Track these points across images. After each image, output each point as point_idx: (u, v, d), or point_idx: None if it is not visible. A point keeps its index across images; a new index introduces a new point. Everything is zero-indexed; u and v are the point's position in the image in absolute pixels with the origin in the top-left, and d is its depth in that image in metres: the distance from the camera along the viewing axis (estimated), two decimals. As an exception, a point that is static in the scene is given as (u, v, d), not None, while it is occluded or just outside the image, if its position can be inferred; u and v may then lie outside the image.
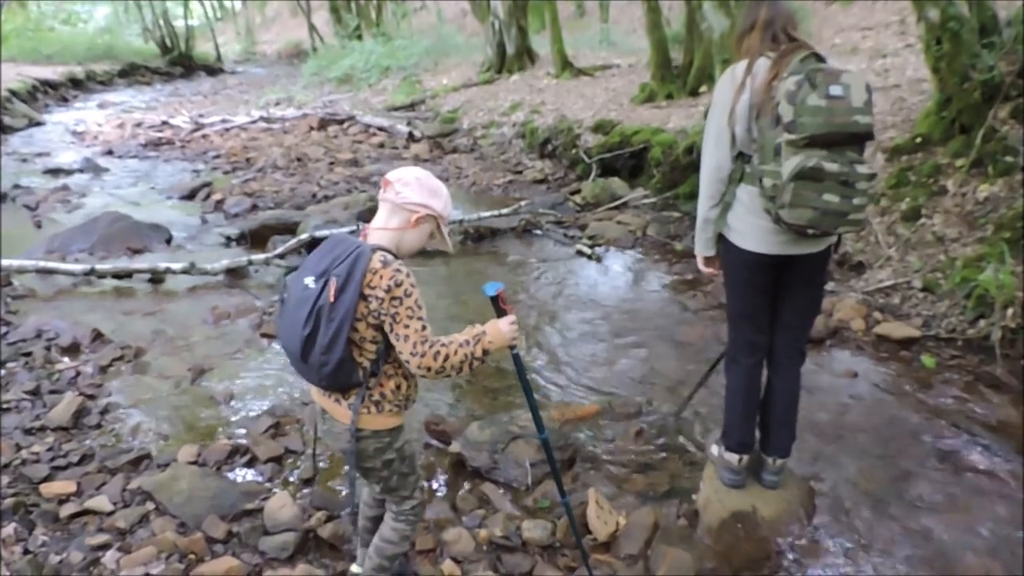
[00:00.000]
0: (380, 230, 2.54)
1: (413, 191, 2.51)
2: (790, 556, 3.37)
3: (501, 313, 2.60)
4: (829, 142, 2.83)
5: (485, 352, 2.49)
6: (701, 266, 3.55)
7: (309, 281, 2.42)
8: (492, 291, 2.59)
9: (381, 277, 2.37)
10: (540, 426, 2.92)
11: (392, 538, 2.84)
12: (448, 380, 4.91)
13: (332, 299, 2.34)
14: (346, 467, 2.61)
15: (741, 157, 3.16)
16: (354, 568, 3.10)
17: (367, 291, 2.37)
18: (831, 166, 2.81)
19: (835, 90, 2.80)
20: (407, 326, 2.39)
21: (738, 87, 3.06)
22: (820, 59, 2.99)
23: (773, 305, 3.38)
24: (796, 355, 3.48)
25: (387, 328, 2.41)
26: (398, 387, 2.56)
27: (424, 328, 2.41)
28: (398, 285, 2.37)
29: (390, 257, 2.44)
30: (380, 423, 2.56)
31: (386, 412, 2.55)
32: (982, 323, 5.14)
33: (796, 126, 2.83)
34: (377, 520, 3.01)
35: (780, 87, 2.90)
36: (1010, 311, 4.97)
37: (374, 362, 2.48)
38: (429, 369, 2.41)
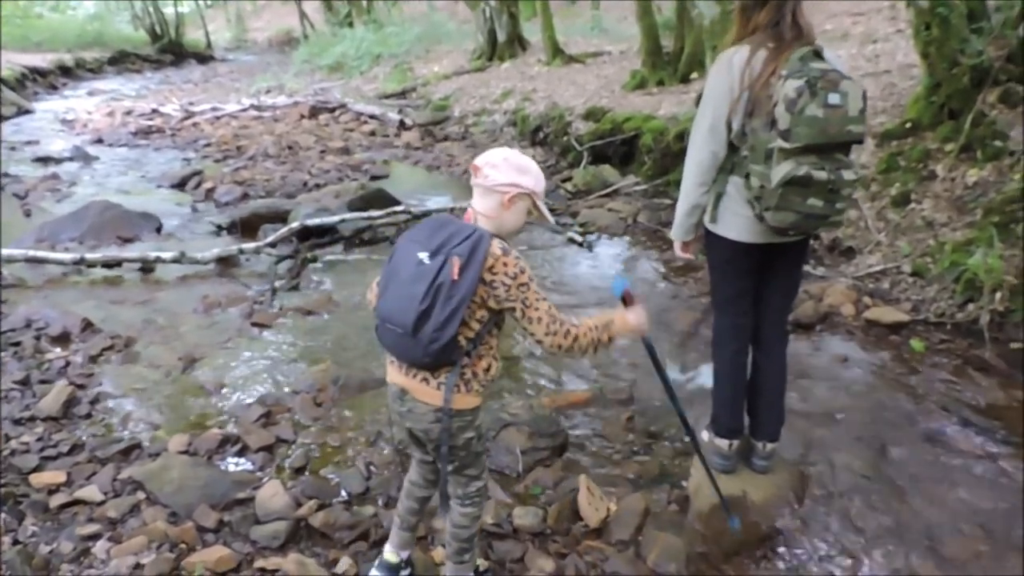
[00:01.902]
0: (482, 215, 2.59)
1: (501, 172, 2.55)
2: (781, 540, 3.39)
3: (629, 305, 2.75)
4: (820, 149, 2.85)
5: (611, 339, 2.64)
6: (679, 251, 3.56)
7: (424, 257, 2.44)
8: (619, 291, 2.76)
9: (505, 264, 2.45)
10: (680, 409, 3.14)
11: (463, 523, 2.87)
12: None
13: (455, 278, 2.38)
14: (439, 446, 2.66)
15: (731, 147, 3.15)
16: (388, 555, 3.07)
17: (488, 275, 2.44)
18: (820, 174, 2.82)
19: (833, 99, 2.78)
20: (537, 309, 2.50)
21: (738, 81, 3.00)
22: (819, 55, 2.95)
23: (756, 288, 3.39)
24: (782, 335, 3.51)
25: (518, 314, 2.50)
26: (488, 368, 2.62)
27: (551, 308, 2.52)
28: (522, 272, 2.47)
29: (507, 245, 2.51)
30: (466, 402, 2.60)
31: (473, 392, 2.60)
32: (971, 307, 5.16)
33: (792, 135, 2.81)
34: (424, 501, 3.02)
35: (779, 88, 2.86)
36: (999, 295, 4.99)
37: (471, 340, 2.53)
38: (560, 347, 2.54)
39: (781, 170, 2.86)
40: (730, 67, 3.03)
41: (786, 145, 2.83)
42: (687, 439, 3.47)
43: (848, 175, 2.87)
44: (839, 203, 2.91)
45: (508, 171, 2.55)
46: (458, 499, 2.86)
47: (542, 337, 2.52)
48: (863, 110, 2.84)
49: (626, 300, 2.76)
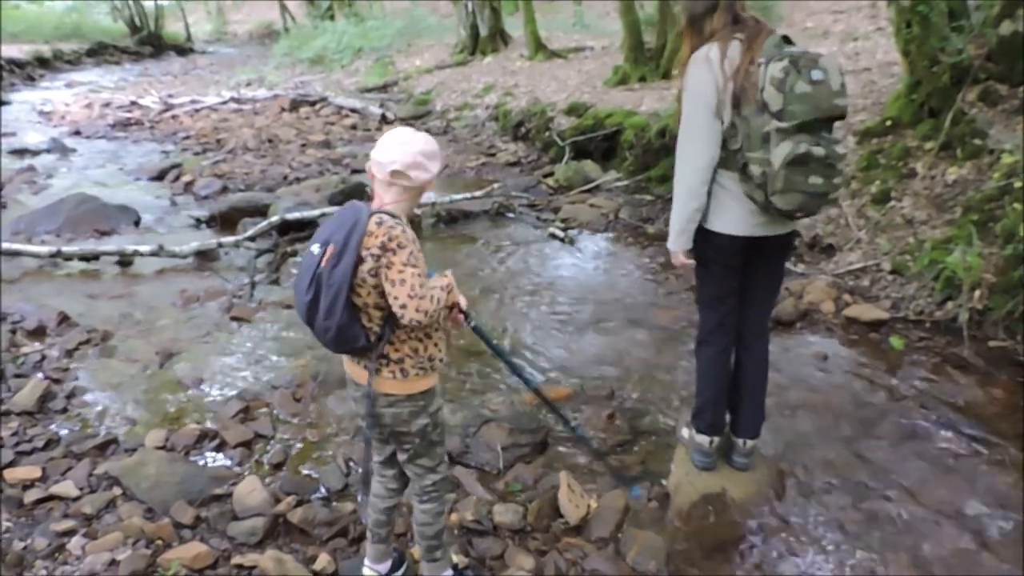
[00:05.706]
0: (392, 203, 2.55)
1: (426, 170, 2.53)
2: (760, 537, 3.39)
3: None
4: (811, 127, 2.91)
5: (451, 303, 2.66)
6: (681, 261, 3.36)
7: (315, 248, 2.47)
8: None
9: (375, 236, 2.42)
10: (525, 380, 3.31)
11: (425, 520, 2.87)
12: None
13: (324, 264, 2.39)
14: (365, 431, 2.69)
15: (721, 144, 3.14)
16: (366, 571, 3.06)
17: (363, 252, 2.41)
18: (817, 150, 2.90)
19: (817, 75, 2.87)
20: (401, 271, 2.41)
21: (721, 76, 3.01)
22: (789, 40, 3.03)
23: (742, 284, 3.39)
24: (764, 331, 3.52)
25: (382, 279, 2.43)
26: (415, 350, 2.58)
27: (417, 274, 2.43)
28: (391, 239, 2.42)
29: (386, 217, 2.47)
30: (411, 387, 2.59)
31: (412, 376, 2.58)
32: (950, 305, 5.19)
33: (785, 114, 2.88)
34: (389, 511, 3.00)
35: (762, 73, 2.91)
36: (977, 293, 5.02)
37: (382, 326, 2.52)
38: (424, 312, 2.42)
39: (781, 151, 2.90)
40: (708, 62, 3.04)
41: (782, 125, 2.89)
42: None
43: (840, 149, 2.99)
44: (836, 178, 2.98)
45: (431, 165, 2.54)
46: (416, 495, 2.84)
47: (406, 300, 2.39)
48: (844, 84, 2.93)
49: None
